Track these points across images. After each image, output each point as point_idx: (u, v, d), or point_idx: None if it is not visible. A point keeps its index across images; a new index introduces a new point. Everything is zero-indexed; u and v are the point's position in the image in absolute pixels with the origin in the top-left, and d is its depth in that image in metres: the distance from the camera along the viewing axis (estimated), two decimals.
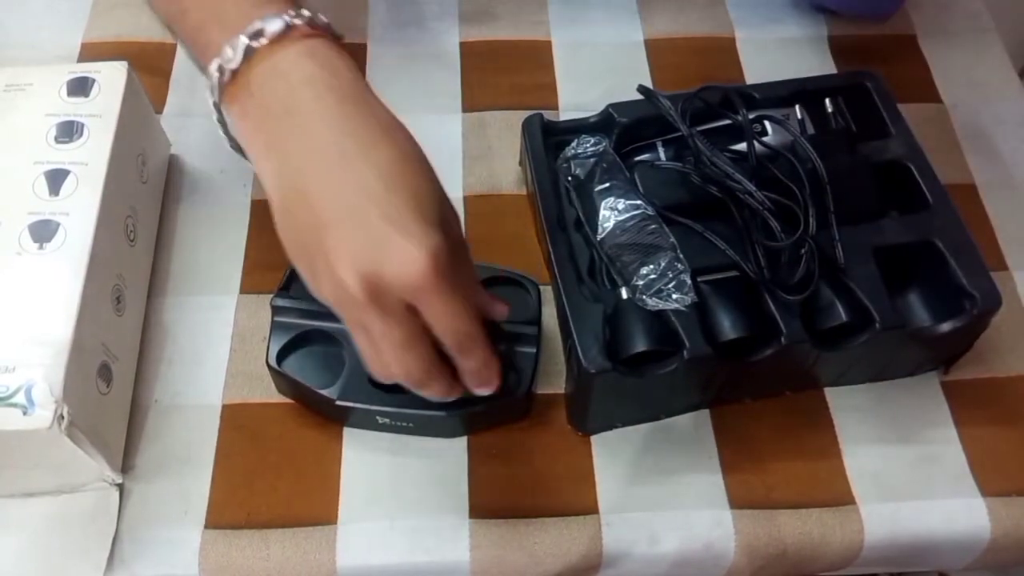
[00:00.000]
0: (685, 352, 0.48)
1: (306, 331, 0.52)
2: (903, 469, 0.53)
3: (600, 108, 0.58)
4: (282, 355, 0.52)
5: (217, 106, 0.43)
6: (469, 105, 0.67)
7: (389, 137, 0.41)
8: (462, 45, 0.71)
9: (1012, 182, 0.64)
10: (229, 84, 0.42)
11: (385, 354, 0.41)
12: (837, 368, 0.54)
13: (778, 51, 0.71)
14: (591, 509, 0.51)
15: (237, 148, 0.45)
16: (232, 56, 0.41)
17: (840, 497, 0.52)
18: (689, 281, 0.49)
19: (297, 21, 0.42)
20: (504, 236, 0.61)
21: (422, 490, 0.52)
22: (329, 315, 0.51)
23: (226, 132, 0.45)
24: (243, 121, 0.42)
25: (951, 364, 0.56)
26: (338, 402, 0.50)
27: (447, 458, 0.53)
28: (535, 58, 0.70)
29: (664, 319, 0.49)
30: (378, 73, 0.69)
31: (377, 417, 0.51)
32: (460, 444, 0.53)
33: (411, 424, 0.52)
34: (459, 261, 0.41)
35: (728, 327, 0.49)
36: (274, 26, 0.41)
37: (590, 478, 0.52)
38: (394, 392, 0.49)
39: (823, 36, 0.72)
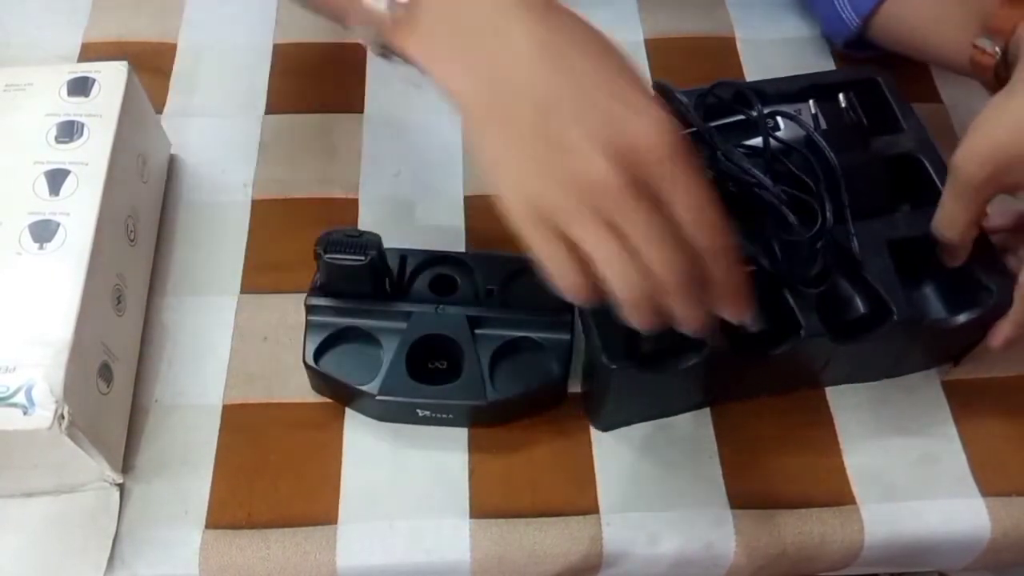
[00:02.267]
0: (705, 348, 0.48)
1: (341, 329, 0.52)
2: (903, 469, 0.53)
3: None
4: (318, 354, 0.52)
5: (379, 43, 0.42)
6: None
7: (591, 32, 0.40)
8: None
9: None
10: (400, 15, 0.41)
11: (646, 249, 0.36)
12: (851, 363, 0.54)
13: (778, 51, 0.71)
14: (591, 509, 0.51)
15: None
16: None
17: (840, 497, 0.52)
18: None
19: None
20: (505, 235, 0.60)
21: (422, 490, 0.52)
22: (363, 311, 0.52)
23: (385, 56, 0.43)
24: (428, 49, 0.41)
25: (961, 358, 0.56)
26: (379, 397, 0.51)
27: (447, 458, 0.53)
28: None
29: None
30: (378, 73, 0.69)
31: (417, 410, 0.52)
32: (461, 444, 0.53)
33: (451, 415, 0.52)
34: None
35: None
36: None
37: (591, 478, 0.52)
38: (433, 384, 0.50)
39: (823, 36, 0.72)
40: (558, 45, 0.39)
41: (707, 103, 0.55)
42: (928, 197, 0.53)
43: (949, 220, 0.50)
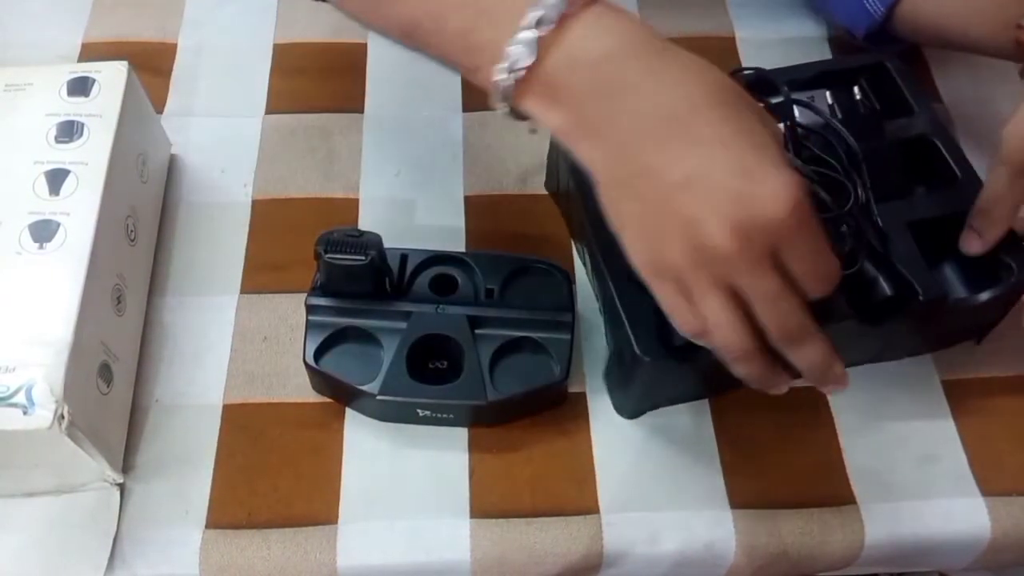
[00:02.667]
0: None
1: (342, 328, 0.52)
2: (903, 469, 0.53)
3: None
4: (319, 353, 0.52)
5: (508, 105, 0.42)
6: (469, 105, 0.67)
7: (709, 85, 0.39)
8: None
9: None
10: (523, 82, 0.40)
11: (760, 310, 0.39)
12: (876, 344, 0.54)
13: (778, 51, 0.71)
14: (592, 509, 0.51)
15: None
16: (522, 54, 0.39)
17: (840, 497, 0.52)
18: None
19: None
20: (505, 236, 0.61)
21: (423, 490, 0.52)
22: (364, 311, 0.52)
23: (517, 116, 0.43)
24: (552, 113, 0.41)
25: (984, 335, 0.57)
26: (379, 397, 0.51)
27: (448, 458, 0.53)
28: None
29: None
30: (378, 73, 0.69)
31: (418, 410, 0.52)
32: (461, 444, 0.53)
33: (451, 415, 0.52)
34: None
35: None
36: (554, 11, 0.39)
37: (591, 478, 0.52)
38: (433, 384, 0.51)
39: (823, 36, 0.72)
40: (680, 105, 0.39)
41: None
42: (943, 178, 0.54)
43: (995, 197, 0.49)
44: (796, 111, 0.55)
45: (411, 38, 0.45)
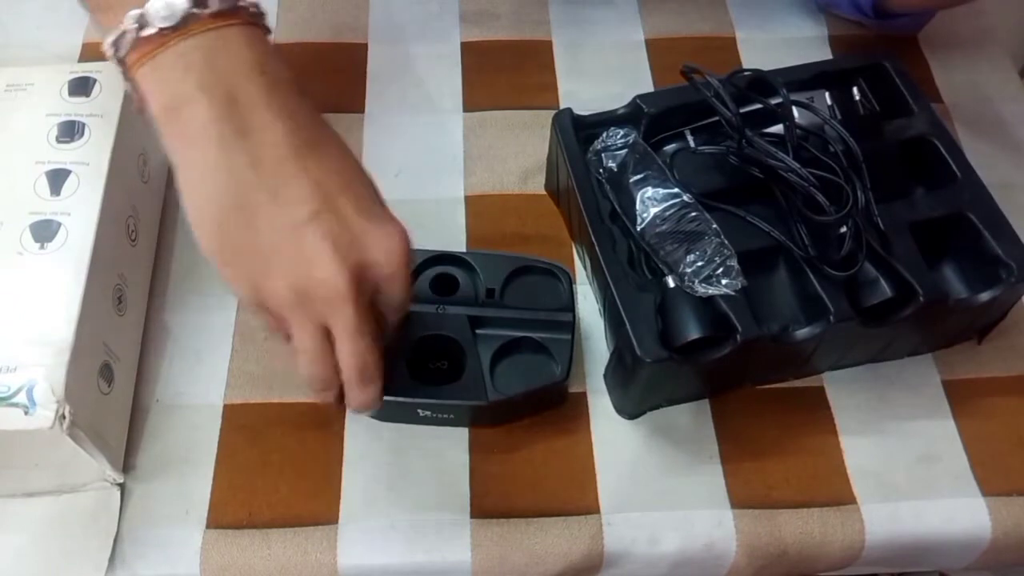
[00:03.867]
0: (738, 336, 0.48)
1: None
2: (904, 468, 0.53)
3: (600, 108, 0.58)
4: None
5: (118, 61, 0.39)
6: (469, 105, 0.67)
7: (330, 132, 0.41)
8: (463, 45, 0.71)
9: (1012, 182, 0.64)
10: (146, 41, 0.38)
11: (343, 344, 0.41)
12: (877, 344, 0.54)
13: (778, 51, 0.71)
14: (592, 509, 0.51)
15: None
16: (165, 11, 0.37)
17: (841, 497, 0.52)
18: (737, 265, 0.50)
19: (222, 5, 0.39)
20: (506, 235, 0.61)
21: (423, 490, 0.52)
22: None
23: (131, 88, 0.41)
24: (161, 94, 0.38)
25: (985, 334, 0.57)
26: None
27: (448, 458, 0.53)
28: (535, 58, 0.70)
29: (714, 305, 0.50)
30: (378, 73, 0.69)
31: (419, 410, 0.52)
32: (461, 444, 0.53)
33: (452, 415, 0.52)
34: None
35: (777, 308, 0.50)
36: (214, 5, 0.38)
37: (591, 478, 0.52)
38: (434, 384, 0.51)
39: (824, 36, 0.72)
40: (314, 152, 0.39)
41: (729, 92, 0.55)
42: (942, 178, 0.54)
43: None
44: (795, 112, 0.55)
45: None
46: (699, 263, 0.50)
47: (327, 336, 0.41)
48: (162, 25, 0.38)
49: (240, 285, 0.40)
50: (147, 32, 0.38)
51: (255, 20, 0.41)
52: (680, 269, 0.50)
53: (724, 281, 0.49)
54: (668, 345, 0.49)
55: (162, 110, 0.39)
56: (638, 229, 0.52)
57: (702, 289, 0.49)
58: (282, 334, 0.42)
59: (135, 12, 0.38)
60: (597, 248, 0.53)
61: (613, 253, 0.52)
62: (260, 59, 0.39)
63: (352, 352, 0.41)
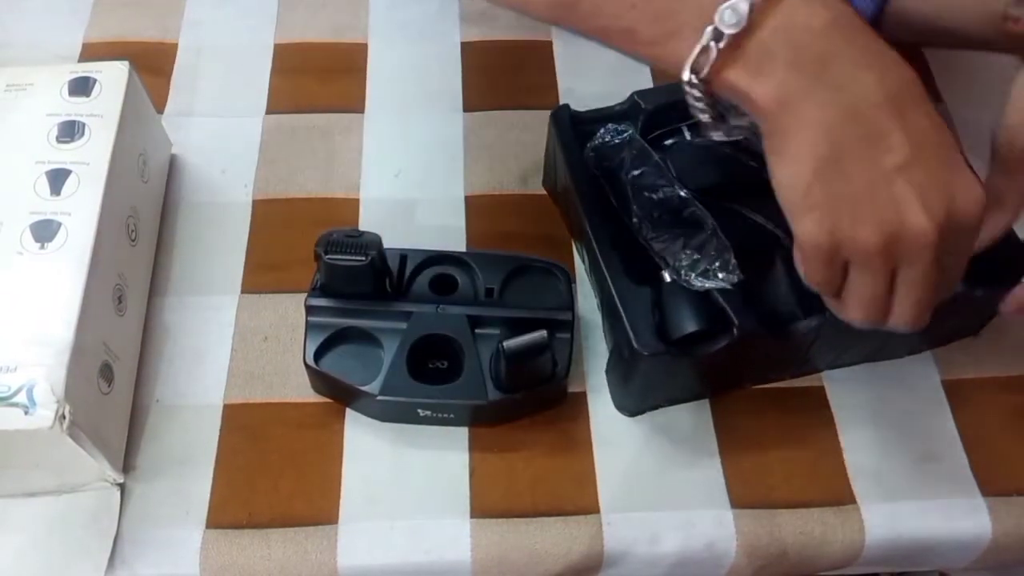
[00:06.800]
0: (735, 330, 0.48)
1: (342, 329, 0.53)
2: (904, 468, 0.53)
3: (600, 107, 0.58)
4: (319, 354, 0.52)
5: (699, 81, 0.40)
6: (469, 105, 0.67)
7: (913, 78, 0.40)
8: (462, 45, 0.71)
9: None
10: (728, 49, 0.39)
11: (906, 293, 0.41)
12: (875, 342, 0.54)
13: None
14: (592, 509, 0.51)
15: (716, 120, 0.42)
16: (733, 20, 0.38)
17: (841, 497, 0.52)
18: (733, 260, 0.50)
19: None
20: (506, 234, 0.61)
21: (423, 490, 0.52)
22: (364, 312, 0.52)
23: (706, 106, 0.42)
24: (759, 84, 0.39)
25: (982, 327, 0.57)
26: (380, 397, 0.51)
27: (448, 458, 0.53)
28: (535, 58, 0.70)
29: (710, 299, 0.50)
30: (378, 73, 0.69)
31: (419, 410, 0.52)
32: (461, 444, 0.53)
33: (452, 415, 0.52)
34: None
35: (774, 302, 0.50)
36: None
37: (591, 478, 0.52)
38: (434, 383, 0.51)
39: None
40: (904, 100, 0.39)
41: None
42: None
43: (996, 198, 0.48)
44: None
45: (571, 8, 0.43)
46: (696, 257, 0.50)
47: (890, 282, 0.41)
48: (733, 32, 0.39)
49: (820, 232, 0.40)
50: (723, 43, 0.39)
51: None
52: (677, 263, 0.50)
53: (721, 275, 0.49)
54: (665, 339, 0.49)
55: (770, 104, 0.40)
56: (635, 224, 0.52)
57: (699, 283, 0.49)
58: (831, 288, 0.42)
59: (709, 28, 0.39)
60: (594, 243, 0.53)
61: (610, 248, 0.52)
62: (825, 12, 0.39)
63: (918, 300, 0.41)
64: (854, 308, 0.42)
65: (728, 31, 0.39)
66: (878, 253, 0.39)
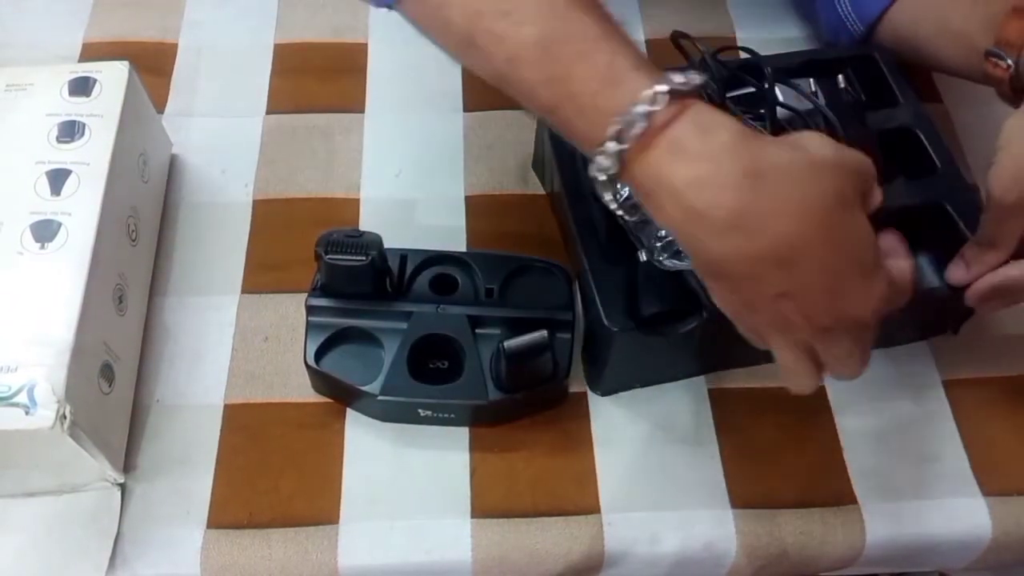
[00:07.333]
0: (704, 311, 0.49)
1: (342, 329, 0.53)
2: (904, 469, 0.53)
3: None
4: (319, 354, 0.52)
5: (612, 179, 0.40)
6: (469, 105, 0.67)
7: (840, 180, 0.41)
8: None
9: None
10: (639, 144, 0.38)
11: (842, 363, 0.42)
12: None
13: (778, 51, 0.70)
14: (593, 509, 0.51)
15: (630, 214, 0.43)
16: (605, 162, 0.39)
17: (841, 497, 0.52)
18: None
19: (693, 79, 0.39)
20: (506, 234, 0.61)
21: (424, 490, 0.52)
22: (364, 312, 0.52)
23: (619, 202, 0.43)
24: (680, 167, 0.38)
25: (959, 326, 0.57)
26: (380, 397, 0.51)
27: (449, 458, 0.53)
28: None
29: (682, 280, 0.50)
30: (378, 73, 0.69)
31: (419, 410, 0.52)
32: (462, 444, 0.53)
33: (452, 415, 0.52)
34: None
35: None
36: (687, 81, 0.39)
37: (592, 477, 0.52)
38: (434, 383, 0.51)
39: (825, 40, 0.72)
40: (827, 200, 0.39)
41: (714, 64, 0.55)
42: (923, 169, 0.54)
43: (989, 241, 0.50)
44: (779, 94, 0.55)
45: (504, 80, 0.42)
46: (669, 238, 0.50)
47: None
48: (609, 174, 0.40)
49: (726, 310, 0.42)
50: (603, 178, 0.40)
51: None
52: (650, 244, 0.50)
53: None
54: (635, 317, 0.49)
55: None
56: (615, 204, 0.52)
57: (670, 264, 0.49)
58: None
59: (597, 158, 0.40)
60: (572, 222, 0.53)
61: (590, 228, 0.53)
62: (689, 170, 0.39)
63: (844, 364, 0.43)
64: (839, 372, 0.43)
65: (601, 177, 0.40)
66: (833, 332, 0.41)
